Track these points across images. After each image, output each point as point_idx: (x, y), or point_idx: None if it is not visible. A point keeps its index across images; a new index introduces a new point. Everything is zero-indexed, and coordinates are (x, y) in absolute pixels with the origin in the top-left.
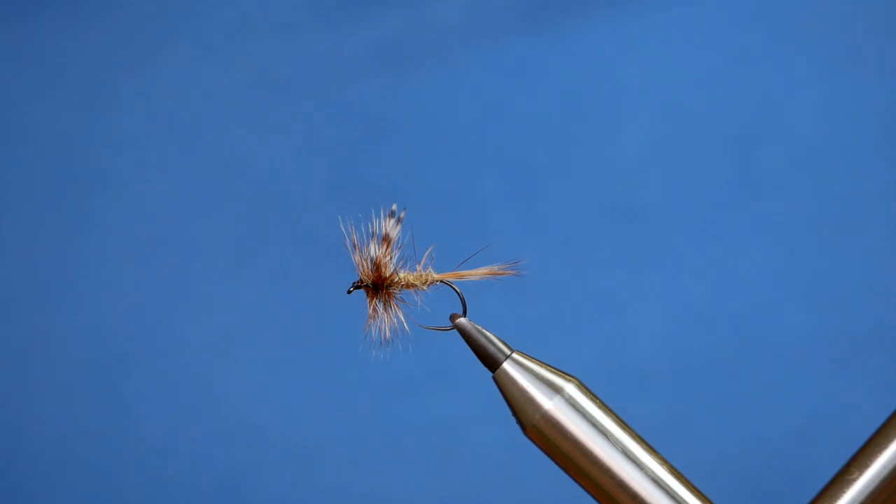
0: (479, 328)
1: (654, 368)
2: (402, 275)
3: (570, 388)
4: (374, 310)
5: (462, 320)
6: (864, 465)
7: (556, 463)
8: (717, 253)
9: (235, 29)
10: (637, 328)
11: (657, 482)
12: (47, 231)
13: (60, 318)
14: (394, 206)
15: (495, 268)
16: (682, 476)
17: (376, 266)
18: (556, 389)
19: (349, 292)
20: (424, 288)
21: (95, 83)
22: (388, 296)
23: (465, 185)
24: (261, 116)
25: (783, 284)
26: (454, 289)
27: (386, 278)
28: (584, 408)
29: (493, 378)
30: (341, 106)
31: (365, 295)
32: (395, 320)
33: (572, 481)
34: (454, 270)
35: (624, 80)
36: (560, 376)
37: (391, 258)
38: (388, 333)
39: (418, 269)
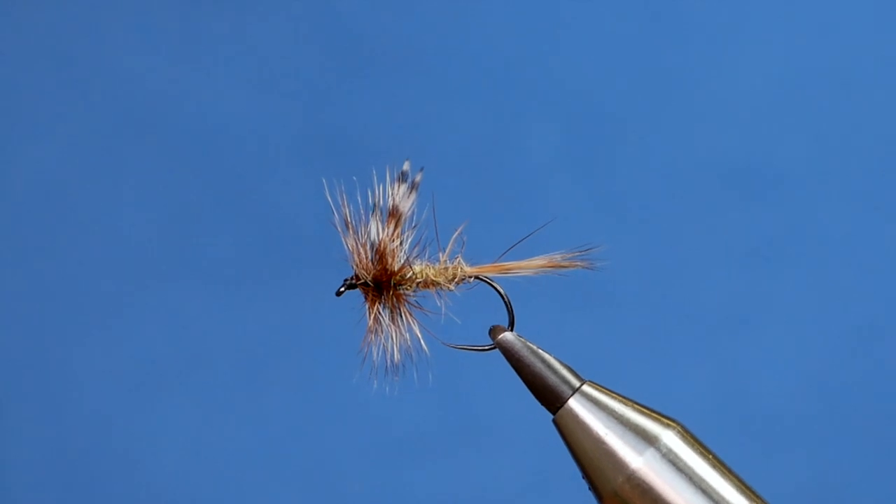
0: (535, 347)
1: (790, 415)
2: (417, 268)
3: (670, 437)
4: (377, 320)
5: (508, 336)
6: None
7: None
8: (886, 241)
9: None
10: (764, 355)
11: None
12: None
13: None
14: (405, 165)
15: (557, 257)
16: None
17: (379, 255)
18: (650, 439)
19: (339, 293)
20: (451, 287)
21: None
22: (398, 298)
23: (501, 143)
24: (192, 42)
25: None
26: (496, 288)
27: (394, 273)
28: (689, 466)
29: (555, 422)
30: (312, 25)
31: (363, 297)
32: (407, 335)
33: None
34: (495, 262)
35: None
36: (655, 420)
37: (401, 243)
38: (396, 355)
39: (442, 259)
